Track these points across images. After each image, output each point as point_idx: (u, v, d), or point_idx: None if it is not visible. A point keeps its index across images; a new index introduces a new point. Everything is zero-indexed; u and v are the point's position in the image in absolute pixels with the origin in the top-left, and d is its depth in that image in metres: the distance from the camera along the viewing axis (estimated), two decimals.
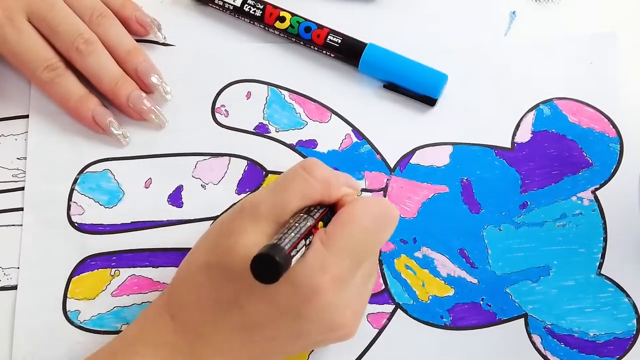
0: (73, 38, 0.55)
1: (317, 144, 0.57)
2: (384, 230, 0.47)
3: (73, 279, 0.54)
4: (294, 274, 0.43)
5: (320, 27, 0.58)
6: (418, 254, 0.54)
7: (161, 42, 0.59)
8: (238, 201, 0.48)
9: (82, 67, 0.56)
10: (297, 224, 0.43)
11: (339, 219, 0.45)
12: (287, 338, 0.46)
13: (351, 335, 0.47)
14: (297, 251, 0.42)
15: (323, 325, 0.45)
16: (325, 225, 0.46)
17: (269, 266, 0.40)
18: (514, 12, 0.60)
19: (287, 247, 0.41)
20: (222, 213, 0.55)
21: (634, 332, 0.52)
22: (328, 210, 0.47)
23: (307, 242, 0.44)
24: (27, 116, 0.58)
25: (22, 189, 0.56)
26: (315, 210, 0.46)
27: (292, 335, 0.46)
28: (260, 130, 0.57)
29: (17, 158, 0.57)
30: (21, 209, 0.55)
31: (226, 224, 0.46)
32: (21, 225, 0.55)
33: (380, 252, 0.54)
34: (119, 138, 0.56)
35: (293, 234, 0.42)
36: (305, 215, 0.45)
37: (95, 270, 0.54)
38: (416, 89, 0.57)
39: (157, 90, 0.57)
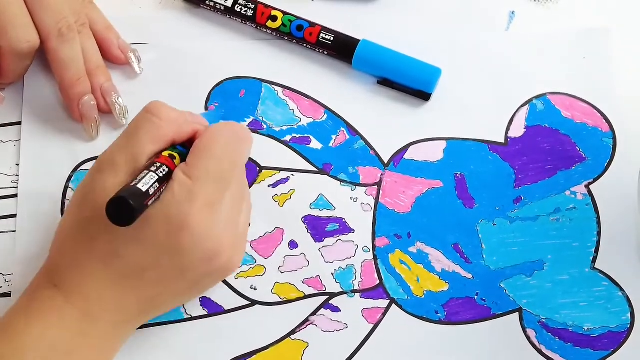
0: (59, 19, 0.55)
1: (310, 140, 0.57)
2: (240, 148, 0.49)
3: None
4: (163, 209, 0.44)
5: (312, 25, 0.58)
6: (412, 249, 0.54)
7: (137, 72, 0.59)
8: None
9: (55, 50, 0.55)
10: (152, 167, 0.45)
11: (196, 148, 0.47)
12: (172, 277, 0.46)
13: (234, 265, 0.49)
14: (156, 188, 0.43)
15: (201, 254, 0.46)
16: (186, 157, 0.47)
17: (122, 208, 0.41)
18: (513, 12, 0.60)
19: (142, 187, 0.42)
20: None
21: (628, 326, 0.52)
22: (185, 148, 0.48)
23: (168, 174, 0.45)
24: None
25: None
26: (167, 151, 0.47)
27: (176, 273, 0.46)
28: (254, 127, 0.57)
29: (17, 164, 0.57)
30: None
31: (88, 182, 0.47)
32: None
33: (375, 247, 0.54)
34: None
35: (149, 174, 0.44)
36: (158, 157, 0.46)
37: None
38: (410, 84, 0.57)
39: (115, 110, 0.57)
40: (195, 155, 0.47)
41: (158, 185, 0.44)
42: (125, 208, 0.41)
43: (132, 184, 0.43)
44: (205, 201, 0.45)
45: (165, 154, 0.47)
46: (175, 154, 0.47)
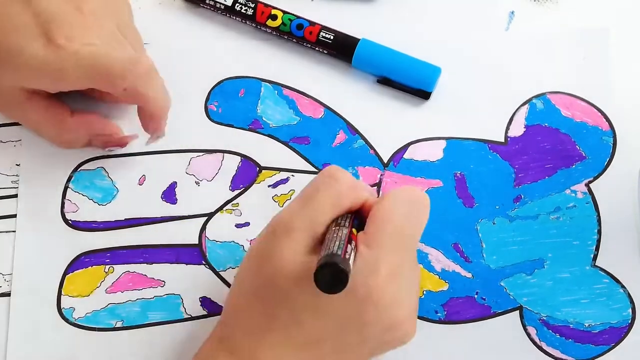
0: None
1: (310, 140, 0.57)
2: (420, 216, 0.47)
3: (67, 276, 0.54)
4: (350, 281, 0.41)
5: (312, 23, 0.58)
6: None
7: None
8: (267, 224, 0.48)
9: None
10: (336, 234, 0.43)
11: (375, 218, 0.45)
12: (352, 347, 0.45)
13: (412, 333, 0.47)
14: (349, 257, 0.41)
15: (384, 325, 0.44)
16: (357, 231, 0.45)
17: (333, 275, 0.39)
18: (512, 12, 0.60)
19: (345, 254, 0.40)
20: (217, 211, 0.55)
21: (629, 321, 0.52)
22: (355, 217, 0.47)
23: (352, 247, 0.43)
24: None
25: None
26: (344, 219, 0.45)
27: (356, 343, 0.45)
28: (254, 126, 0.57)
29: (17, 164, 0.57)
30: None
31: (263, 247, 0.45)
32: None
33: None
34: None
35: (338, 243, 0.42)
36: (338, 226, 0.44)
37: (90, 267, 0.54)
38: (410, 82, 0.57)
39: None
40: (375, 224, 0.45)
41: (349, 254, 0.42)
42: (337, 275, 0.39)
43: (334, 251, 0.40)
44: (388, 272, 0.44)
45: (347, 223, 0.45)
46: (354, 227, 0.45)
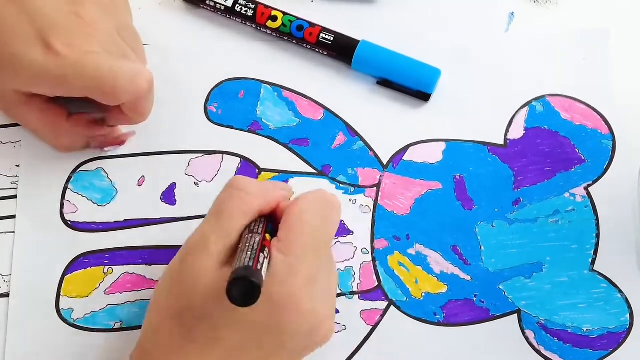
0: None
1: (309, 141, 0.57)
2: (331, 218, 0.48)
3: (66, 277, 0.54)
4: (265, 290, 0.42)
5: (312, 25, 0.58)
6: (411, 251, 0.54)
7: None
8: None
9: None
10: (248, 244, 0.43)
11: (288, 223, 0.45)
12: (273, 354, 0.45)
13: (331, 334, 0.47)
14: (261, 267, 0.42)
15: (304, 330, 0.45)
16: (271, 235, 0.46)
17: (245, 289, 0.39)
18: (512, 13, 0.60)
19: (256, 265, 0.41)
20: None
21: (627, 326, 0.52)
22: (268, 221, 0.47)
23: (265, 255, 0.43)
24: None
25: None
26: (256, 225, 0.46)
27: (277, 350, 0.45)
28: (254, 128, 0.57)
29: (16, 165, 0.57)
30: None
31: (179, 266, 0.45)
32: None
33: (374, 248, 0.54)
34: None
35: (250, 253, 0.42)
36: (251, 233, 0.44)
37: (89, 268, 0.54)
38: (410, 84, 0.57)
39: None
40: (288, 229, 0.45)
41: (261, 263, 0.42)
42: (249, 288, 0.39)
43: (246, 263, 0.41)
44: (304, 277, 0.44)
45: (259, 230, 0.45)
46: (267, 232, 0.45)
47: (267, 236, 0.45)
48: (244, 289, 0.39)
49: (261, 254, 0.42)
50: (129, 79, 0.50)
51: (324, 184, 0.56)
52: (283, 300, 0.43)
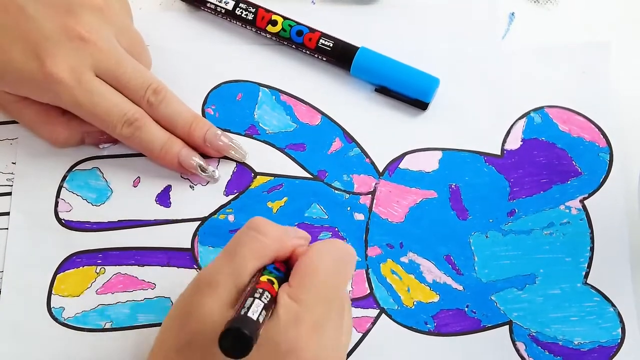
0: (143, 92, 0.54)
1: (306, 147, 0.57)
2: (345, 270, 0.47)
3: (58, 275, 0.54)
4: (271, 334, 0.42)
5: (312, 30, 0.58)
6: (404, 259, 0.54)
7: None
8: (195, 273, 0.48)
9: (155, 117, 0.55)
10: (253, 290, 0.42)
11: (300, 270, 0.45)
12: None
13: None
14: (265, 314, 0.41)
15: None
16: (282, 279, 0.45)
17: (236, 341, 0.39)
18: (512, 14, 0.60)
19: (252, 315, 0.40)
20: (210, 216, 0.55)
21: (618, 341, 0.52)
22: (283, 267, 0.47)
23: (265, 301, 0.42)
24: None
25: None
26: (267, 271, 0.45)
27: None
28: (250, 132, 0.57)
29: (12, 162, 0.57)
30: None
31: (188, 302, 0.45)
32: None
33: (367, 256, 0.54)
34: (207, 178, 0.56)
35: (252, 300, 0.41)
36: (259, 279, 0.44)
37: (81, 267, 0.54)
38: (408, 92, 0.57)
39: (233, 154, 0.57)
40: (299, 276, 0.44)
41: (265, 312, 0.41)
42: (241, 339, 0.39)
43: (242, 313, 0.40)
44: (312, 325, 0.43)
45: (264, 278, 0.44)
46: (273, 278, 0.45)
47: (275, 283, 0.44)
48: (236, 340, 0.39)
49: (264, 300, 0.42)
50: (120, 118, 0.53)
51: (319, 189, 0.56)
52: (285, 347, 0.42)
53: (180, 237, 0.55)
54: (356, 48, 0.58)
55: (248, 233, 0.45)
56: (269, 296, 0.42)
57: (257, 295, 0.42)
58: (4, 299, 0.53)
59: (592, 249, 0.54)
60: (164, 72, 0.58)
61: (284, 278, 0.45)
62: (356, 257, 0.48)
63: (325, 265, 0.45)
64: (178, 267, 0.54)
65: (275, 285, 0.44)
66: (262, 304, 0.41)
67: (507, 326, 0.53)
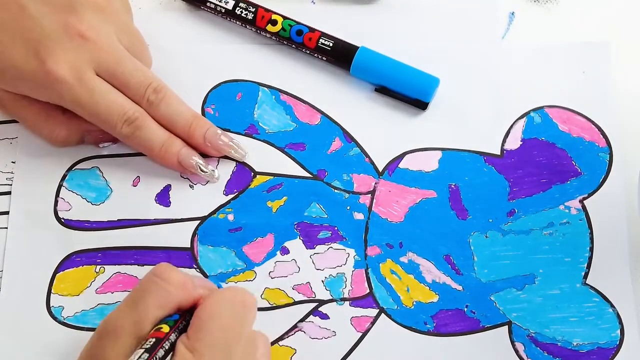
0: (143, 91, 0.54)
1: (306, 146, 0.57)
2: (243, 317, 0.46)
3: (58, 274, 0.54)
4: None
5: (312, 30, 0.58)
6: (404, 259, 0.54)
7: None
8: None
9: (155, 116, 0.55)
10: (148, 340, 0.43)
11: (197, 319, 0.45)
12: None
13: None
14: None
15: None
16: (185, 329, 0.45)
17: None
18: (512, 14, 0.60)
19: None
20: (210, 215, 0.55)
21: (617, 342, 0.52)
22: (186, 315, 0.47)
23: (164, 353, 0.43)
24: None
25: None
26: (166, 321, 0.45)
27: None
28: (250, 131, 0.57)
29: (12, 162, 0.57)
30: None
31: (90, 350, 0.45)
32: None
33: (366, 255, 0.54)
34: (207, 177, 0.56)
35: (145, 350, 0.42)
36: (159, 328, 0.44)
37: (80, 266, 0.54)
38: (407, 92, 0.57)
39: (232, 153, 0.56)
40: (196, 326, 0.44)
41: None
42: None
43: None
44: None
45: (165, 328, 0.44)
46: (163, 325, 0.45)
47: (172, 333, 0.44)
48: None
49: (160, 351, 0.42)
50: (120, 117, 0.53)
51: (318, 188, 0.56)
52: None
53: (179, 236, 0.55)
54: (356, 48, 0.58)
55: (153, 280, 0.46)
56: (167, 345, 0.43)
57: (147, 345, 0.42)
58: (4, 298, 0.53)
59: (591, 249, 0.54)
60: (163, 72, 0.58)
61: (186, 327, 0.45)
62: (256, 305, 0.47)
63: (221, 312, 0.45)
64: (177, 267, 0.54)
65: (174, 335, 0.44)
66: (147, 355, 0.42)
67: (506, 326, 0.53)
